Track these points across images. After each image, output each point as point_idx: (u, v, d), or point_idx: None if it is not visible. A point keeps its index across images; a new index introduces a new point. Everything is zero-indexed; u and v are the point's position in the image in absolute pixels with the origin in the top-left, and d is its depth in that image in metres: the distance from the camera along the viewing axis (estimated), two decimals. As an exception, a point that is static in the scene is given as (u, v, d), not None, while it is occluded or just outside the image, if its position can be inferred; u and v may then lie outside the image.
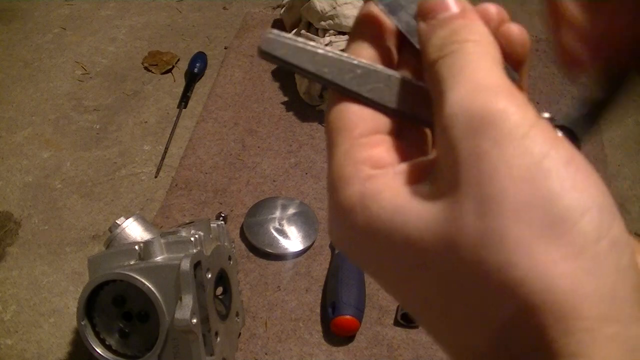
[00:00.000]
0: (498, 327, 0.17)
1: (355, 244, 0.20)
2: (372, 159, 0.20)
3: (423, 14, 0.21)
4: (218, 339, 0.63)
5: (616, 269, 0.17)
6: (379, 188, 0.19)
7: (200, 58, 1.16)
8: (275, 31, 0.21)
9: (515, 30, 0.22)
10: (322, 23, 1.00)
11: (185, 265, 0.57)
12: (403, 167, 0.20)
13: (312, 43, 0.21)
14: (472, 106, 0.18)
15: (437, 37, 0.20)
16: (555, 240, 0.17)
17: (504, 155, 0.17)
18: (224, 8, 1.33)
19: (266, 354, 0.75)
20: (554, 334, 0.16)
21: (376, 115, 0.21)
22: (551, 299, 0.16)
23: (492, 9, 0.22)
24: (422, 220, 0.18)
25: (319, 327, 0.78)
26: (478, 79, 0.19)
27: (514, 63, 0.22)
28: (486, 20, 0.21)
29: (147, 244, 0.61)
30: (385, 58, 0.23)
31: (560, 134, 0.18)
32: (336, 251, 0.82)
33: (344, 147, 0.21)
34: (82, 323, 0.61)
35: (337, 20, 0.98)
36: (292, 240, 0.86)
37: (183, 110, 1.08)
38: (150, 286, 0.58)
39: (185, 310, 0.56)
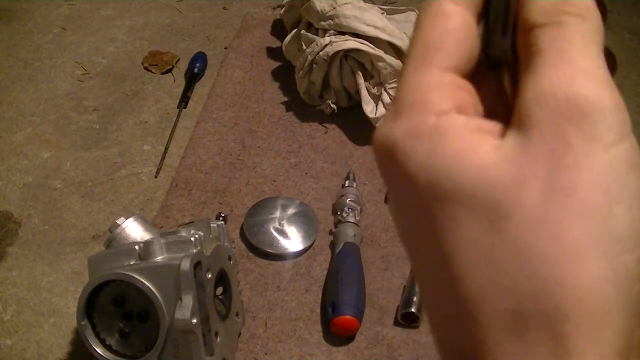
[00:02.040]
0: (520, 300, 0.17)
1: (403, 170, 0.19)
2: (456, 99, 0.19)
3: None
4: (218, 339, 0.63)
5: None
6: (453, 126, 0.19)
7: (200, 58, 1.16)
8: None
9: None
10: (322, 23, 1.00)
11: (185, 265, 0.57)
12: (478, 120, 0.20)
13: None
14: (570, 91, 0.17)
15: None
16: (609, 258, 0.16)
17: (589, 155, 0.17)
18: (224, 8, 1.33)
19: (266, 354, 0.75)
20: (576, 342, 0.16)
21: (468, 49, 0.20)
22: (586, 308, 0.16)
23: None
24: (479, 176, 0.18)
25: (319, 327, 0.78)
26: (582, 64, 0.18)
27: None
28: None
29: (147, 244, 0.61)
30: None
31: None
32: (336, 251, 0.82)
33: (438, 71, 0.19)
34: (82, 323, 0.61)
35: (337, 20, 0.98)
36: (292, 240, 0.86)
37: (183, 110, 1.08)
38: (150, 286, 0.58)
39: (185, 310, 0.56)
